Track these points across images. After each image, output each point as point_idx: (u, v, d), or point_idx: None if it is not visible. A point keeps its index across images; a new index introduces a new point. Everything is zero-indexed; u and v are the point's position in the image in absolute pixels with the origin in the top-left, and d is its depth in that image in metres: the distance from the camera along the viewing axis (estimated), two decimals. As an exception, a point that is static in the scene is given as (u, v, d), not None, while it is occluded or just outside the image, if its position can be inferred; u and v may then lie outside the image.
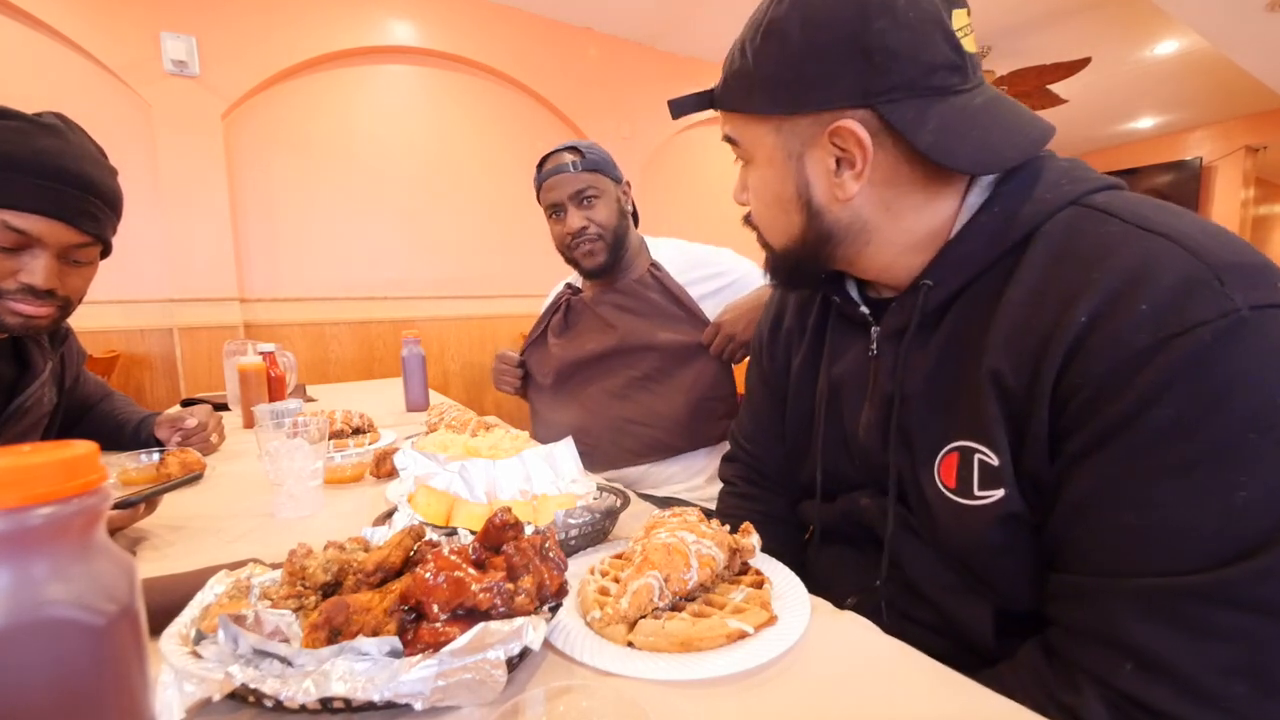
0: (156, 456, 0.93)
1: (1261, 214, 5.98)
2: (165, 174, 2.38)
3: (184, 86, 2.40)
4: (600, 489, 0.70)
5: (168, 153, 2.38)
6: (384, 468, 0.91)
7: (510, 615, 0.40)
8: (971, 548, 0.50)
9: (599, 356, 1.22)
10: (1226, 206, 5.46)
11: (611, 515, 0.65)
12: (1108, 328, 0.41)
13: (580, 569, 0.55)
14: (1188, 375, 0.37)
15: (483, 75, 3.12)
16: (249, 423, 1.33)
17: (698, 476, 1.19)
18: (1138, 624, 0.39)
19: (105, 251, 0.90)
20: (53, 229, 0.79)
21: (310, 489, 0.77)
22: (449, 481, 0.64)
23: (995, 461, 0.47)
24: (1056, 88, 3.93)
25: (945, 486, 0.51)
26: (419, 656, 0.36)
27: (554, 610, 0.44)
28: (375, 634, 0.38)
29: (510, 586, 0.41)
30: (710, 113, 0.62)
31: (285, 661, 0.36)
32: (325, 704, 0.35)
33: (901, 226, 0.54)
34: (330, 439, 1.01)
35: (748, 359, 1.29)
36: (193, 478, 0.83)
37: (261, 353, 1.38)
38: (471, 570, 0.42)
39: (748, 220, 0.65)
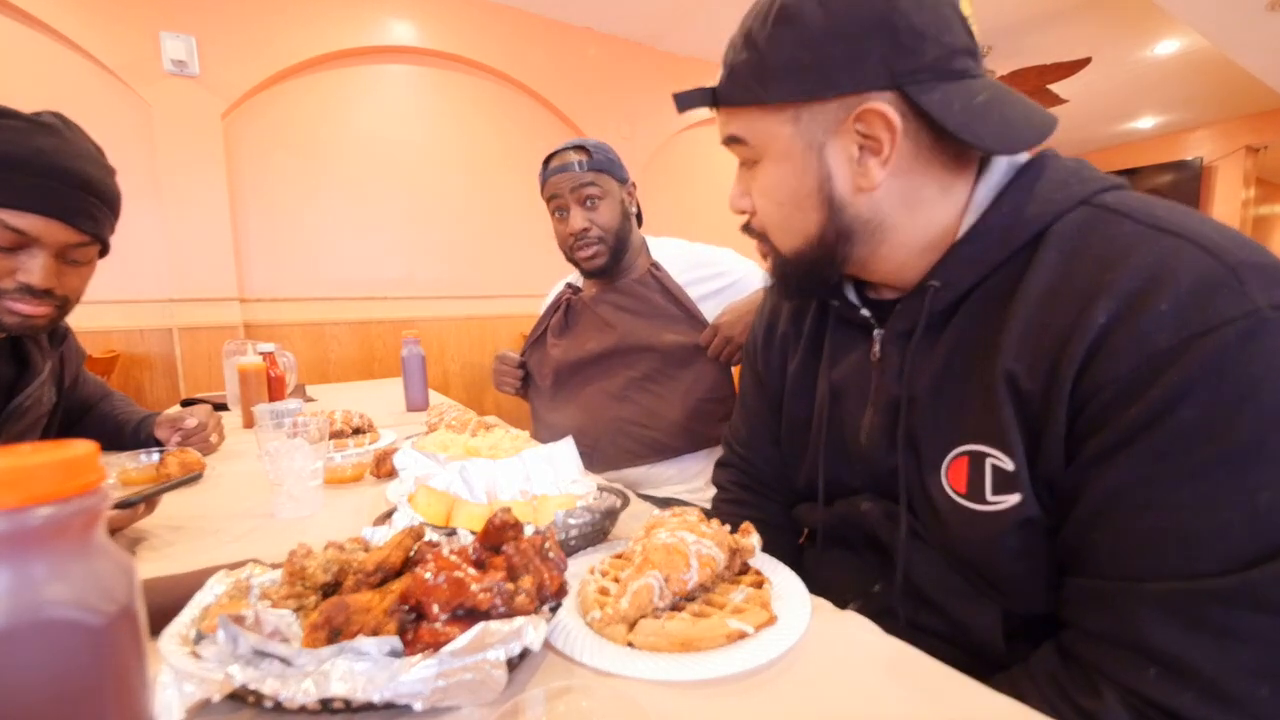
0: (156, 457, 0.93)
1: (1262, 214, 5.98)
2: (165, 174, 2.38)
3: (184, 86, 2.40)
4: (600, 489, 0.70)
5: (168, 153, 2.38)
6: (384, 468, 0.91)
7: (510, 615, 0.40)
8: (983, 553, 0.49)
9: (598, 357, 1.22)
10: (1227, 206, 5.46)
11: (611, 515, 0.65)
12: (1129, 328, 0.40)
13: (580, 569, 0.55)
14: (1211, 376, 0.37)
15: (483, 75, 3.12)
16: (249, 423, 1.33)
17: (698, 478, 1.19)
18: (1160, 628, 0.39)
19: (103, 251, 0.89)
20: (50, 228, 0.79)
21: (310, 489, 0.77)
22: (449, 481, 0.64)
23: (1010, 466, 0.46)
24: (1056, 88, 3.93)
25: (954, 491, 0.50)
26: (419, 657, 0.36)
27: (554, 610, 0.44)
28: (375, 634, 0.38)
29: (510, 586, 0.41)
30: (711, 111, 0.59)
31: (285, 662, 0.36)
32: (325, 704, 0.35)
33: (917, 222, 0.53)
34: (330, 439, 1.01)
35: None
36: (192, 477, 0.83)
37: (261, 353, 1.38)
38: (471, 570, 0.42)
39: (748, 228, 0.62)
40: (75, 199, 0.80)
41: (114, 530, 0.67)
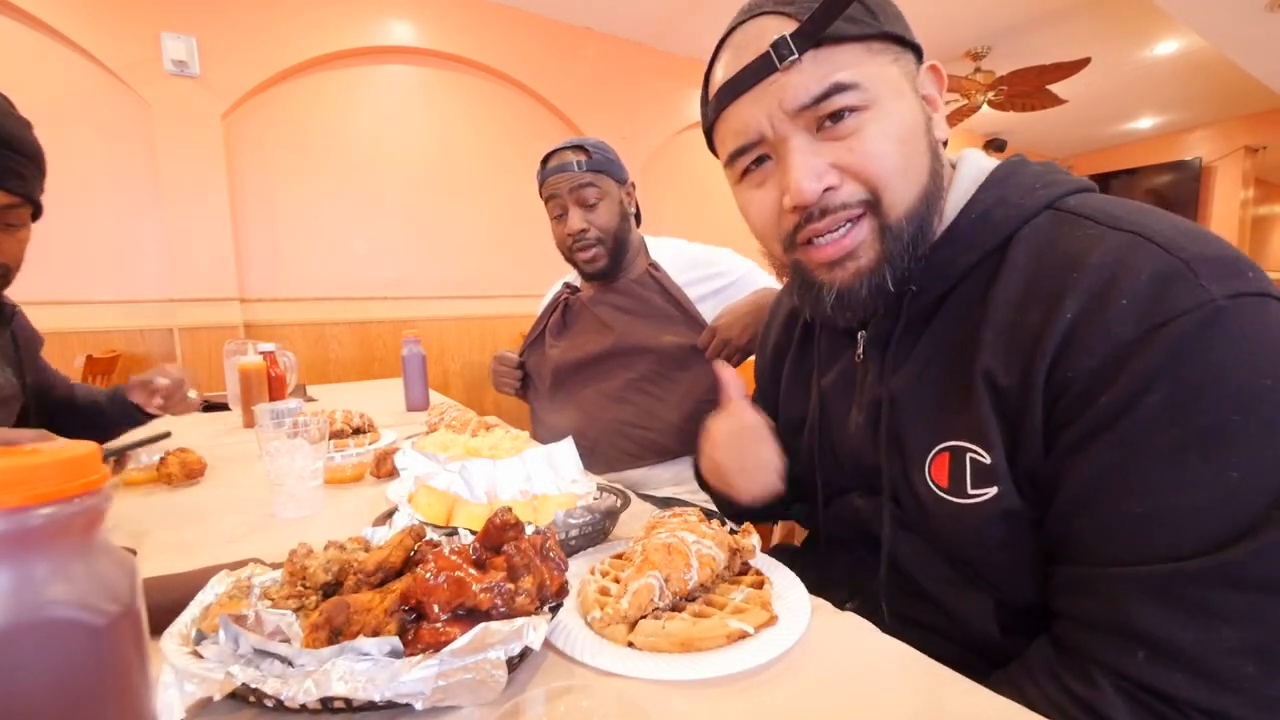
0: (157, 457, 0.93)
1: (1261, 214, 5.98)
2: (165, 174, 2.38)
3: (184, 86, 2.40)
4: (600, 489, 0.70)
5: (168, 153, 2.38)
6: (384, 468, 0.91)
7: (511, 615, 0.40)
8: (969, 545, 0.51)
9: (596, 358, 1.22)
10: (1226, 207, 5.46)
11: (612, 515, 0.65)
12: (1094, 323, 0.42)
13: (580, 569, 0.55)
14: (1173, 364, 0.39)
15: (483, 75, 3.12)
16: (249, 422, 1.33)
17: (696, 480, 1.19)
18: (1145, 611, 0.40)
19: (36, 213, 0.83)
20: None
21: (310, 489, 0.77)
22: (449, 481, 0.64)
23: (988, 460, 0.48)
24: (1056, 88, 3.93)
25: (937, 486, 0.52)
26: (419, 656, 0.36)
27: (554, 610, 0.44)
28: (376, 634, 0.38)
29: (511, 586, 0.41)
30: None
31: (286, 661, 0.36)
32: (326, 704, 0.35)
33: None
34: (330, 439, 1.01)
35: (744, 362, 1.29)
36: (160, 435, 0.81)
37: (261, 352, 1.38)
38: (472, 570, 0.42)
39: (820, 215, 0.51)
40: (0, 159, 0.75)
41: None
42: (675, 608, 0.47)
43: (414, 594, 0.40)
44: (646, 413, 1.16)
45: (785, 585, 0.52)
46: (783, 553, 0.78)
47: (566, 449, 0.70)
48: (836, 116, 0.50)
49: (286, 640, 0.40)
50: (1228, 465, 0.38)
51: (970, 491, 0.49)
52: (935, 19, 3.44)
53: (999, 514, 0.48)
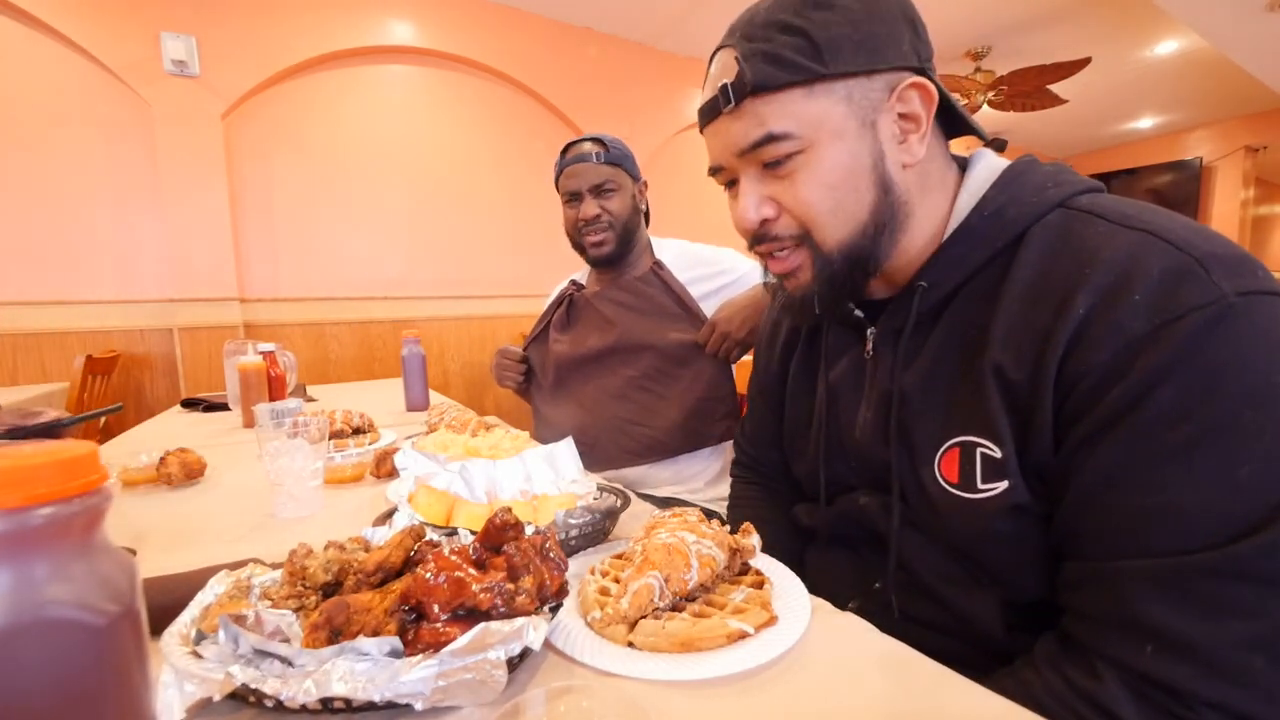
0: (156, 456, 0.93)
1: (1261, 214, 5.98)
2: (165, 174, 2.38)
3: (184, 86, 2.40)
4: (600, 489, 0.70)
5: (168, 153, 2.38)
6: (384, 468, 0.91)
7: (511, 615, 0.40)
8: (977, 540, 0.51)
9: (598, 354, 1.23)
10: (1226, 206, 5.46)
11: (612, 515, 0.65)
12: (1106, 318, 0.42)
13: (580, 569, 0.55)
14: (1184, 359, 0.39)
15: (483, 75, 3.12)
16: (249, 422, 1.33)
17: (697, 479, 1.19)
18: (1154, 605, 0.40)
19: None
20: None
21: (310, 489, 0.77)
22: (449, 481, 0.64)
23: (998, 454, 0.48)
24: (1056, 88, 3.93)
25: (947, 481, 0.52)
26: (419, 656, 0.36)
27: (554, 610, 0.44)
28: (376, 634, 0.38)
29: (511, 586, 0.41)
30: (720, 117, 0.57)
31: (286, 661, 0.36)
32: (326, 704, 0.35)
33: (926, 209, 0.56)
34: (330, 439, 1.01)
35: (745, 358, 1.29)
36: (112, 409, 0.80)
37: (261, 352, 1.38)
38: (472, 570, 0.42)
39: (761, 240, 0.58)
40: None
41: None
42: (675, 608, 0.47)
43: (414, 594, 0.40)
44: (647, 410, 1.17)
45: (785, 585, 0.52)
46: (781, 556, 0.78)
47: (566, 449, 0.70)
48: (776, 161, 0.54)
49: (286, 640, 0.40)
50: (1238, 460, 0.38)
51: (980, 486, 0.50)
52: (935, 19, 3.41)
53: (1009, 508, 0.48)
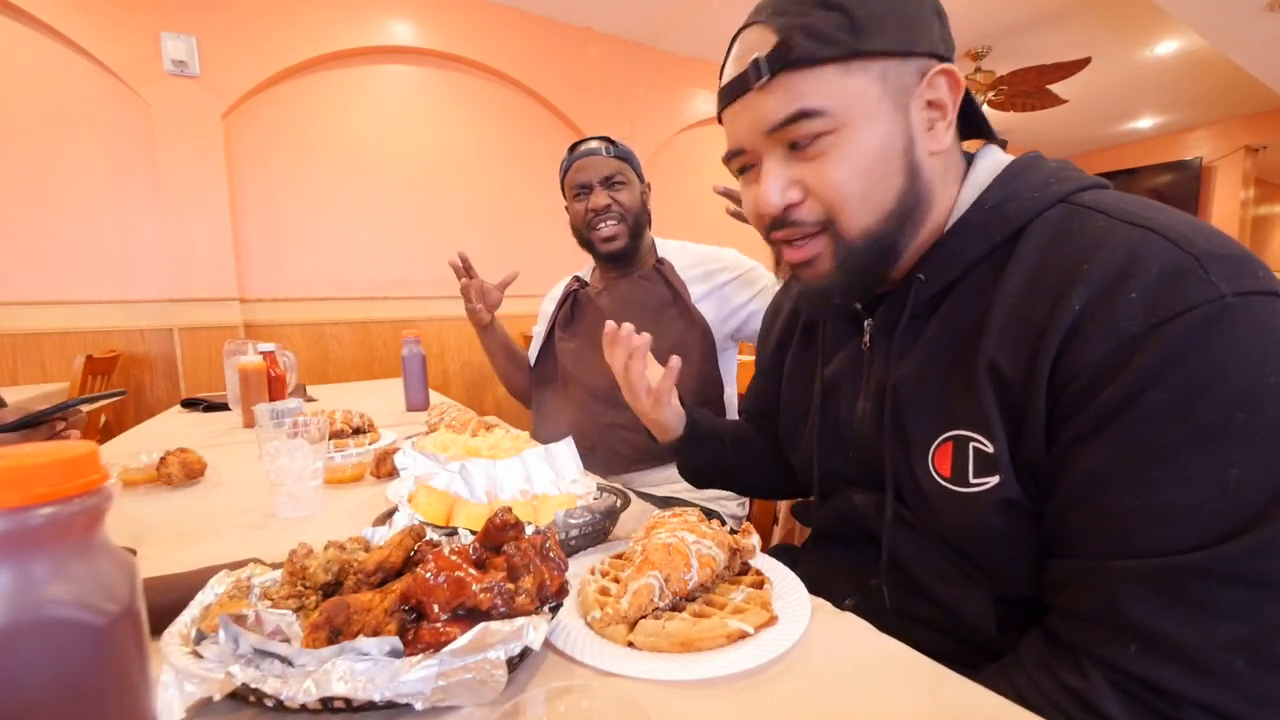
0: (156, 456, 0.93)
1: (1261, 214, 5.98)
2: (165, 174, 2.38)
3: (184, 86, 2.40)
4: (600, 489, 0.70)
5: (168, 153, 2.38)
6: (384, 468, 0.91)
7: (511, 615, 0.40)
8: (969, 535, 0.51)
9: (597, 359, 1.23)
10: (1226, 206, 5.46)
11: (612, 515, 0.65)
12: (1101, 316, 0.42)
13: (580, 569, 0.55)
14: (1179, 359, 0.39)
15: (483, 75, 3.12)
16: (249, 422, 1.33)
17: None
18: (1140, 604, 0.40)
19: None
20: None
21: (310, 489, 0.77)
22: (449, 481, 0.64)
23: (991, 449, 0.48)
24: (1056, 88, 3.93)
25: (940, 476, 0.52)
26: (419, 656, 0.36)
27: (554, 610, 0.44)
28: (376, 634, 0.38)
29: (511, 586, 0.41)
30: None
31: (286, 661, 0.36)
32: (326, 704, 0.35)
33: (942, 199, 0.55)
34: (330, 439, 1.01)
35: (745, 358, 1.29)
36: (116, 394, 0.81)
37: (261, 352, 1.38)
38: (472, 570, 0.42)
39: (780, 225, 0.55)
40: None
41: None
42: (675, 608, 0.47)
43: (414, 594, 0.40)
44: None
45: (785, 585, 0.52)
46: (783, 553, 0.78)
47: (566, 449, 0.70)
48: (805, 139, 0.51)
49: (286, 640, 0.40)
50: (1229, 462, 0.38)
51: (972, 480, 0.49)
52: (935, 19, 3.43)
53: (999, 503, 0.48)
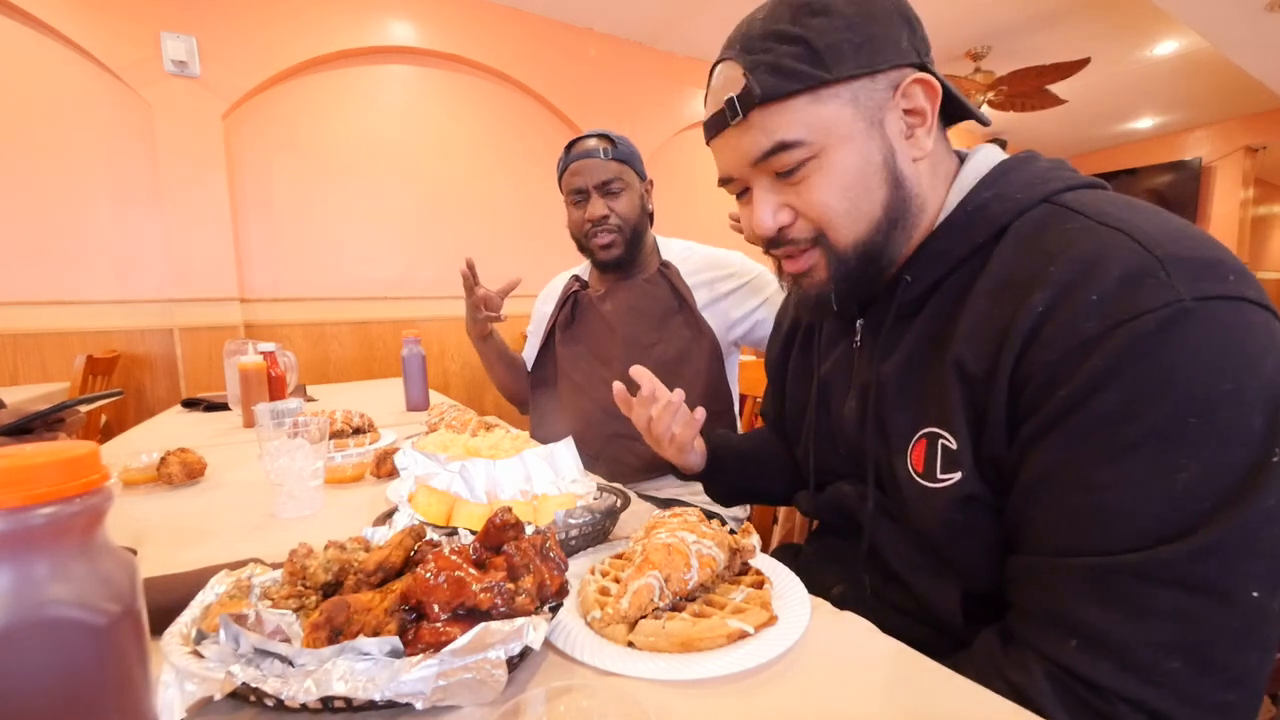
0: (157, 456, 0.93)
1: (1261, 214, 5.98)
2: (165, 174, 2.38)
3: (184, 86, 2.40)
4: (600, 489, 0.70)
5: (168, 153, 2.38)
6: (384, 468, 0.91)
7: (511, 615, 0.40)
8: (937, 530, 0.52)
9: (598, 364, 1.22)
10: (1226, 207, 5.46)
11: (612, 515, 0.65)
12: (1060, 316, 0.42)
13: (580, 569, 0.55)
14: (1132, 362, 0.39)
15: (483, 75, 3.12)
16: (249, 422, 1.33)
17: (697, 481, 1.18)
18: (1080, 602, 0.41)
19: None
20: None
21: (310, 489, 0.77)
22: (449, 481, 0.64)
23: (954, 445, 0.49)
24: (1056, 88, 3.93)
25: (915, 471, 0.53)
26: (420, 656, 0.36)
27: (554, 610, 0.44)
28: (376, 634, 0.38)
29: (511, 586, 0.41)
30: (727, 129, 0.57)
31: (286, 661, 0.36)
32: (326, 703, 0.35)
33: (930, 201, 0.57)
34: (330, 439, 1.01)
35: (748, 358, 1.28)
36: (113, 394, 0.81)
37: (261, 352, 1.38)
38: (472, 570, 0.42)
39: (775, 243, 0.58)
40: None
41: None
42: (675, 608, 0.47)
43: (414, 594, 0.40)
44: None
45: (785, 585, 0.52)
46: (784, 550, 0.79)
47: (566, 449, 0.70)
48: (787, 168, 0.54)
49: (287, 640, 0.40)
50: (1176, 466, 0.38)
51: (939, 476, 0.51)
52: (935, 19, 3.43)
53: (961, 498, 0.49)
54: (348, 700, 0.35)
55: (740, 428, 1.27)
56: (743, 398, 1.38)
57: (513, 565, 0.42)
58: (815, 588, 0.53)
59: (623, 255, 1.20)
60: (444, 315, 3.04)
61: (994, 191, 0.53)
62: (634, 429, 1.17)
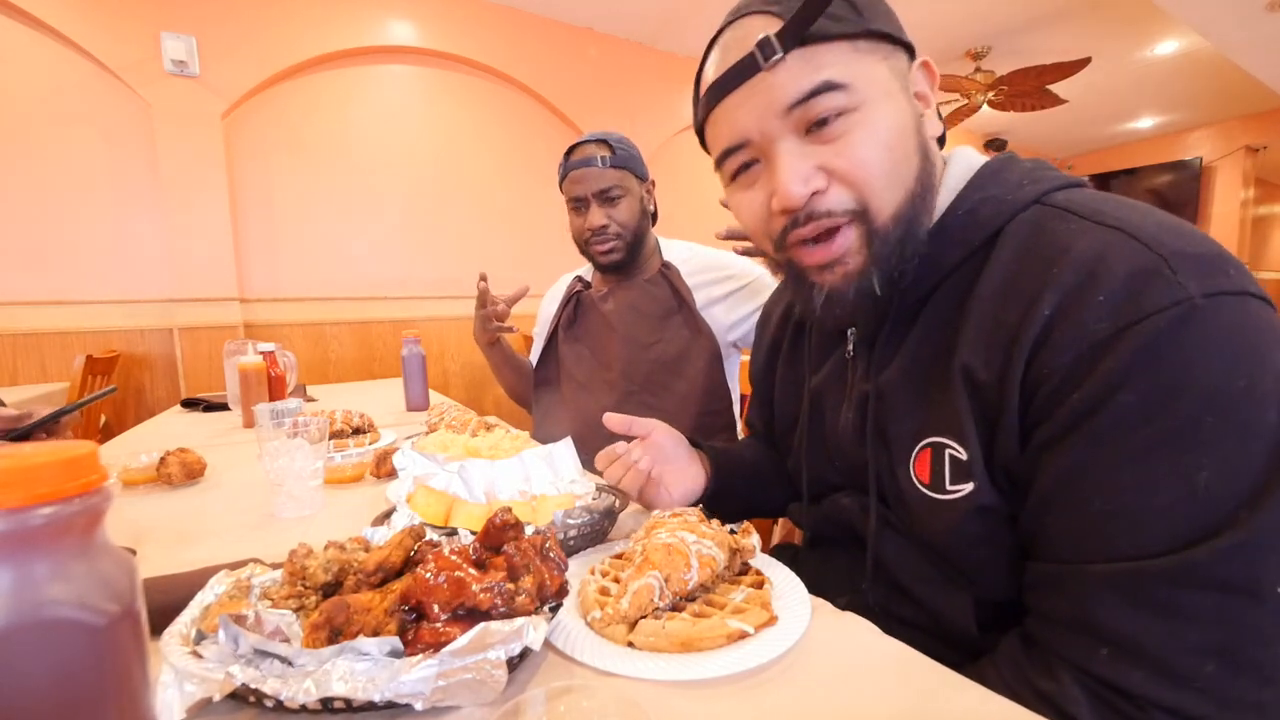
0: (156, 456, 0.93)
1: (1261, 214, 5.98)
2: (165, 174, 2.38)
3: (184, 86, 2.40)
4: (599, 489, 0.70)
5: (168, 153, 2.38)
6: (384, 468, 0.91)
7: (511, 615, 0.40)
8: (949, 541, 0.51)
9: (598, 364, 1.22)
10: (1226, 206, 5.46)
11: (610, 515, 0.65)
12: (1070, 319, 0.42)
13: (580, 569, 0.55)
14: (1146, 362, 0.39)
15: (483, 75, 3.12)
16: (249, 422, 1.33)
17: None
18: (1109, 609, 0.40)
19: None
20: None
21: (310, 489, 0.77)
22: (448, 482, 0.64)
23: (964, 455, 0.48)
24: (1056, 88, 3.93)
25: (920, 482, 0.52)
26: (419, 656, 0.36)
27: (554, 610, 0.44)
28: (376, 634, 0.38)
29: (511, 586, 0.41)
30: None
31: (286, 661, 0.36)
32: (326, 704, 0.35)
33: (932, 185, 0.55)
34: (330, 439, 1.01)
35: (745, 358, 1.28)
36: (107, 391, 0.81)
37: (261, 352, 1.38)
38: (472, 570, 0.42)
39: (807, 220, 0.51)
40: None
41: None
42: (675, 608, 0.47)
43: (414, 594, 0.40)
44: None
45: (785, 585, 0.52)
46: (783, 552, 0.78)
47: (565, 449, 0.70)
48: (824, 120, 0.49)
49: (286, 640, 0.40)
50: (1197, 466, 0.38)
51: (949, 487, 0.50)
52: (935, 19, 3.44)
53: (975, 509, 0.48)
54: (347, 701, 0.35)
55: (740, 427, 1.27)
56: (743, 397, 1.38)
57: (513, 565, 0.42)
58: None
59: (623, 259, 1.21)
60: (444, 315, 3.04)
61: (982, 195, 0.52)
62: None
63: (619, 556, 0.56)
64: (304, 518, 0.75)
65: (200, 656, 0.37)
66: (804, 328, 0.72)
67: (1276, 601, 0.37)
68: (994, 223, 0.50)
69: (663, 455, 0.71)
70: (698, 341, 1.16)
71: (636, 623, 0.45)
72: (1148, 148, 5.92)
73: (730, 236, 0.98)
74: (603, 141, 1.19)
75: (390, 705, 0.36)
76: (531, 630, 0.38)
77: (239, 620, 0.38)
